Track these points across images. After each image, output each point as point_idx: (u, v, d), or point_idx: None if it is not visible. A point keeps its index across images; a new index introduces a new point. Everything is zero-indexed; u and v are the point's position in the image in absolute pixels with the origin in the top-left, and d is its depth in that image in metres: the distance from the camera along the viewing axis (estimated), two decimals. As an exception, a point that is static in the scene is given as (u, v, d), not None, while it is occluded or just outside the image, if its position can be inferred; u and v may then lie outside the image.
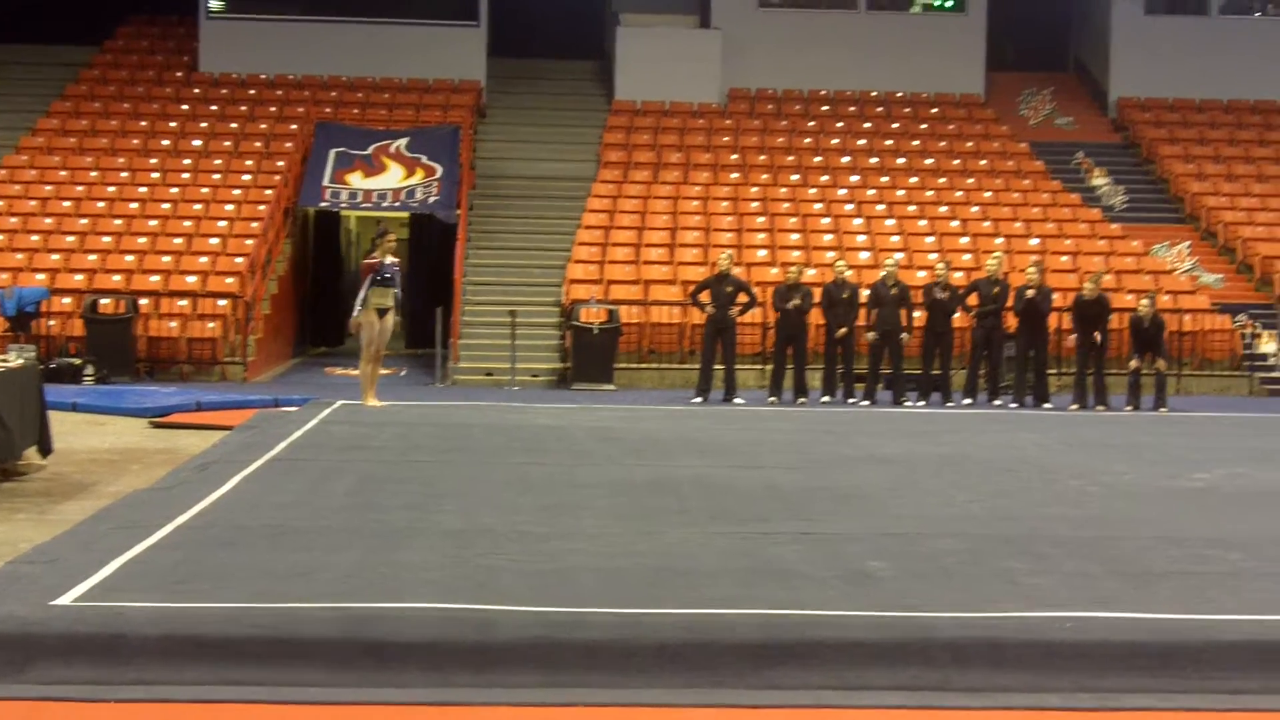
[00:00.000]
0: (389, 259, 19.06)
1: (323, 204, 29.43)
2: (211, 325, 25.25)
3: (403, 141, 30.31)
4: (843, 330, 22.21)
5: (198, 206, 28.93)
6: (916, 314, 22.53)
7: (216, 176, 30.16)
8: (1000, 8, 35.22)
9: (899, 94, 35.26)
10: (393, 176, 29.38)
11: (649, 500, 11.44)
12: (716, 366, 22.06)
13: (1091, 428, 18.93)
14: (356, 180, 29.19)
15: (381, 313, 18.94)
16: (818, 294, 22.56)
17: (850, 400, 22.12)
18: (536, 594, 7.87)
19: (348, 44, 34.45)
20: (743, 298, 22.10)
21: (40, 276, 25.93)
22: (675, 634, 7.25)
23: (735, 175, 32.05)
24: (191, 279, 26.38)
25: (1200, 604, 8.02)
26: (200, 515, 10.31)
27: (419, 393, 22.74)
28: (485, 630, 7.19)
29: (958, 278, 24.50)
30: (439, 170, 29.39)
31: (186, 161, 30.74)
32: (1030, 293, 21.98)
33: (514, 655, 7.04)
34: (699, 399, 21.73)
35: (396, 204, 28.96)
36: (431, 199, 28.76)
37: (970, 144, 33.55)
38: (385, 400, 19.48)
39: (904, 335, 22.22)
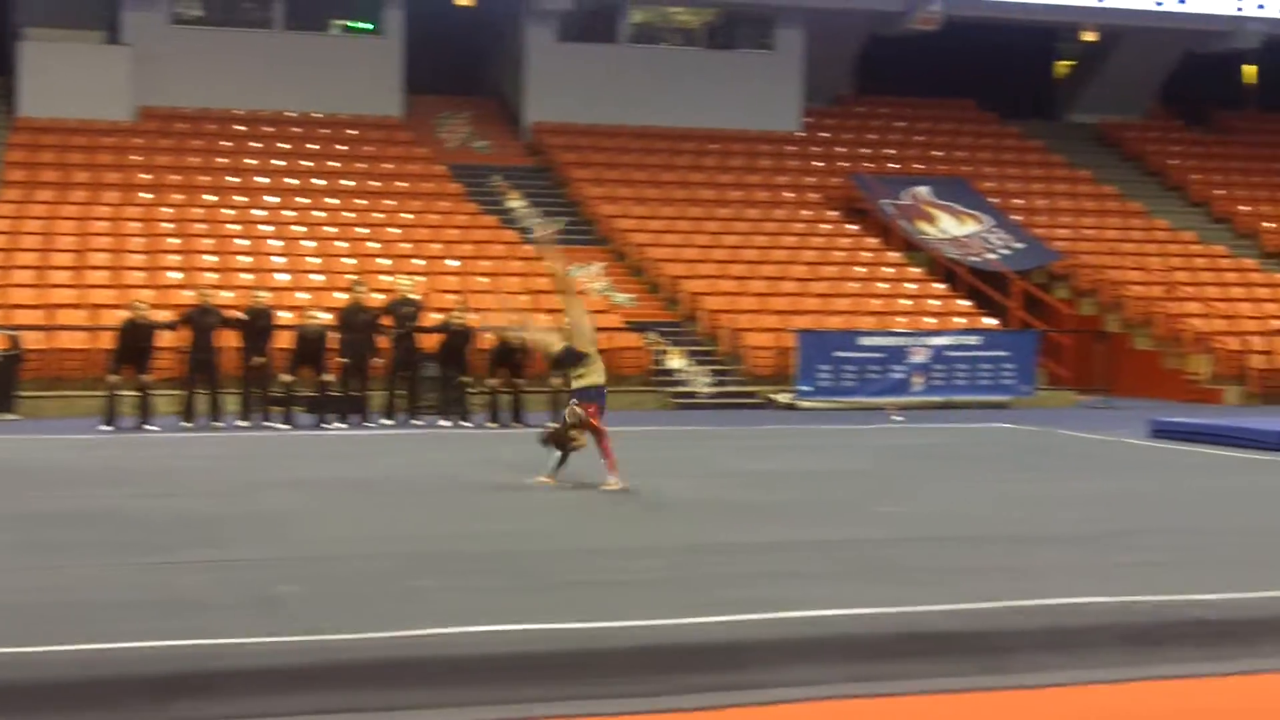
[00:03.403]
0: None
1: None
2: None
3: None
4: (260, 360, 21.89)
5: None
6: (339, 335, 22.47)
7: None
8: (419, 31, 35.47)
9: (318, 115, 35.02)
10: None
11: (50, 534, 10.88)
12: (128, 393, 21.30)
13: (508, 445, 19.19)
14: None
15: None
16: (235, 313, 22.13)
17: (268, 424, 21.74)
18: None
19: None
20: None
21: None
22: (70, 671, 6.86)
23: (148, 195, 31.09)
24: None
25: (604, 613, 8.15)
26: None
27: None
28: None
29: (377, 299, 24.45)
30: None
31: None
32: (459, 323, 22.47)
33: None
34: (108, 427, 20.90)
35: None
36: None
37: (390, 166, 33.64)
38: None
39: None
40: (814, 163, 36.91)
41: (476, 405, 22.74)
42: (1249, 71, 42.90)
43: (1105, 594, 8.81)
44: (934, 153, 38.02)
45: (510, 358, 22.51)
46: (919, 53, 37.91)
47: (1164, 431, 21.08)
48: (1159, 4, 37.20)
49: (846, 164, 36.80)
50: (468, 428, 21.90)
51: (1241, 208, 37.42)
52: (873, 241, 33.38)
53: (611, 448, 13.81)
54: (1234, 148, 40.42)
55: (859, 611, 8.29)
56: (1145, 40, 38.56)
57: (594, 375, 14.27)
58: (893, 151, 37.94)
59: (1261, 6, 37.63)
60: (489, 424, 22.13)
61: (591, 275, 30.28)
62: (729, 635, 7.79)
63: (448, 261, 29.58)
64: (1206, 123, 41.54)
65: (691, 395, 26.85)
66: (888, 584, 9.24)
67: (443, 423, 22.17)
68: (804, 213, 34.51)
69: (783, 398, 26.71)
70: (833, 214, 34.60)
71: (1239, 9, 37.51)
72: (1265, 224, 36.73)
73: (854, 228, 33.99)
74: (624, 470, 13.81)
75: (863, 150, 37.86)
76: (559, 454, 14.09)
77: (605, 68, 36.33)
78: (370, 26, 36.02)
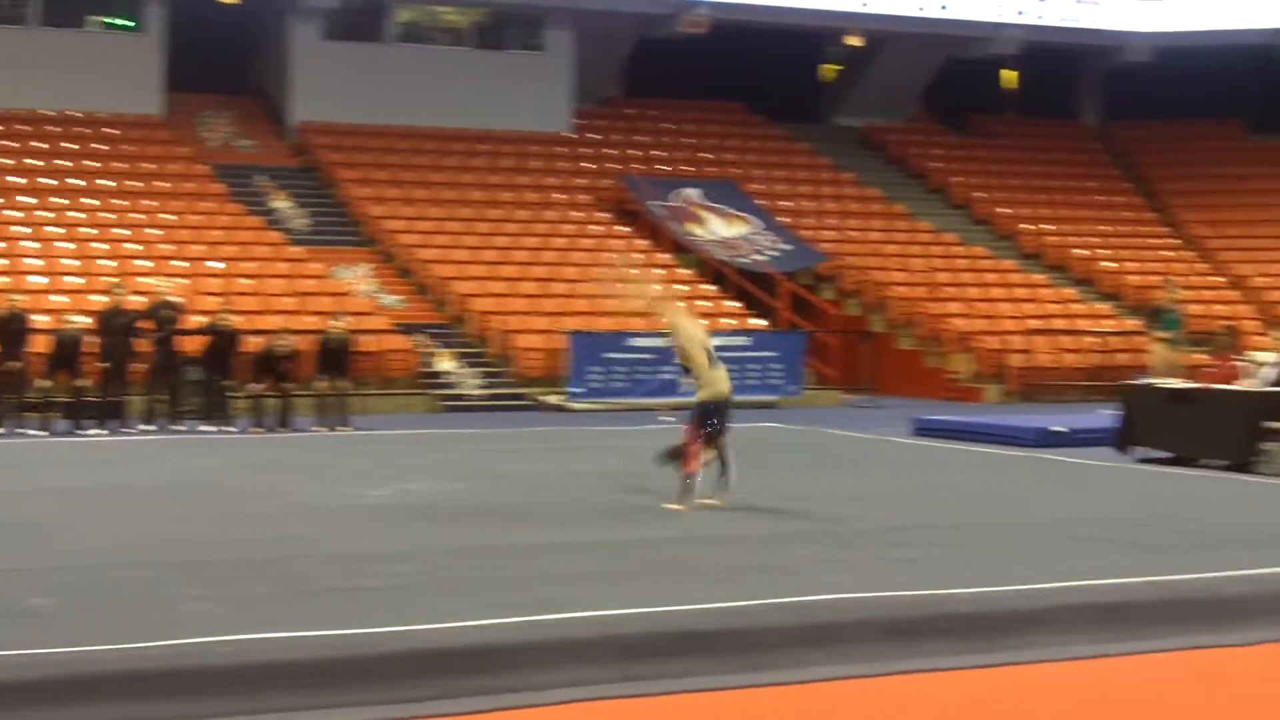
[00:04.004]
0: None
1: None
2: None
3: None
4: (14, 364, 21.24)
5: None
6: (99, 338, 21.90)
7: None
8: (181, 29, 34.71)
9: (75, 113, 34.08)
10: None
11: None
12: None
13: (274, 450, 18.91)
14: None
15: None
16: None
17: (22, 431, 21.07)
18: None
19: None
20: None
21: None
22: None
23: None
24: None
25: (365, 618, 8.03)
26: None
27: None
28: None
29: (137, 301, 23.85)
30: None
31: None
32: (224, 326, 22.30)
33: None
34: None
35: None
36: None
37: (150, 165, 32.86)
38: None
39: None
40: (584, 164, 36.95)
41: (240, 410, 22.33)
42: (1009, 76, 43.99)
43: (867, 589, 8.92)
44: (703, 155, 38.31)
45: (275, 364, 22.15)
46: (688, 55, 38.18)
47: (926, 429, 21.51)
48: (921, 10, 37.96)
49: (617, 166, 36.92)
50: (231, 433, 21.50)
51: (1001, 210, 38.34)
52: (643, 243, 33.51)
53: (698, 468, 12.92)
54: (994, 151, 41.42)
55: (624, 612, 8.29)
56: (908, 45, 39.31)
57: (704, 390, 13.24)
58: (662, 153, 38.14)
59: (1021, 13, 38.63)
60: (254, 429, 21.73)
61: (358, 277, 29.96)
62: (490, 638, 7.74)
63: (210, 263, 28.99)
64: (968, 127, 42.49)
65: (461, 398, 26.67)
66: (654, 583, 9.26)
67: (205, 428, 21.72)
68: (574, 214, 34.53)
69: (553, 399, 26.69)
70: (603, 215, 34.68)
71: (999, 15, 38.47)
72: (1024, 226, 37.69)
73: (624, 229, 34.10)
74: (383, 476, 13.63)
75: (633, 152, 38.00)
76: (696, 472, 12.94)
77: (372, 67, 35.92)
78: (130, 23, 35.15)
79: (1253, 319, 33.83)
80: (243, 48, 37.20)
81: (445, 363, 27.36)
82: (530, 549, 10.59)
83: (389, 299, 29.47)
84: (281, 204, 32.59)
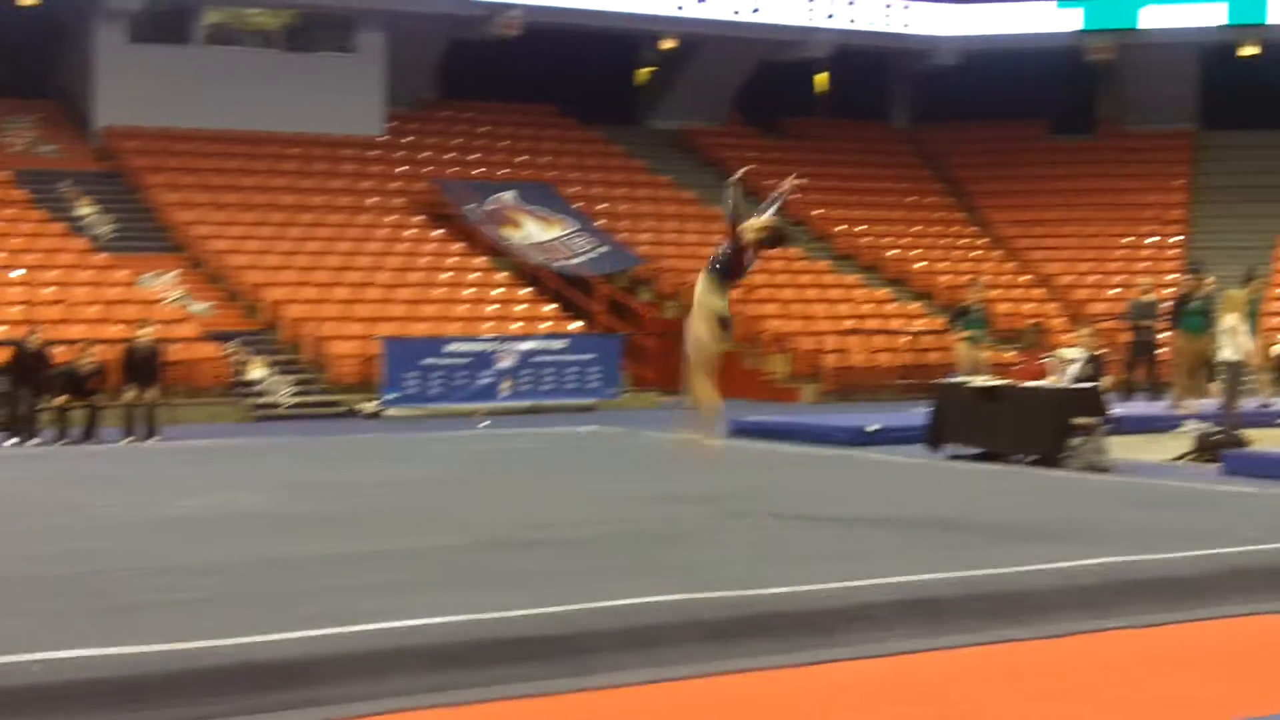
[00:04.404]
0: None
1: None
2: None
3: None
4: None
5: None
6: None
7: None
8: (-19, 31, 33.83)
9: None
10: None
11: None
12: None
13: (81, 462, 18.44)
14: None
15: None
16: None
17: None
18: None
19: None
20: None
21: None
22: None
23: None
24: None
25: (173, 633, 7.81)
26: None
27: None
28: None
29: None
30: None
31: None
32: (35, 340, 21.93)
33: None
34: None
35: None
36: None
37: (-51, 172, 31.97)
38: None
39: None
40: (398, 168, 36.62)
41: (45, 423, 21.74)
42: (821, 79, 44.47)
43: (688, 591, 8.88)
44: (518, 158, 38.17)
45: (80, 382, 21.63)
46: (502, 58, 38.03)
47: (743, 430, 21.60)
48: (735, 13, 38.22)
49: (431, 169, 36.63)
50: (36, 446, 20.93)
51: (815, 212, 38.69)
52: (458, 247, 33.32)
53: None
54: (807, 154, 41.74)
55: (442, 620, 8.16)
56: (722, 49, 39.54)
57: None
58: (477, 156, 37.91)
59: (831, 17, 39.06)
60: (60, 442, 21.18)
61: (166, 284, 29.36)
62: (298, 651, 7.58)
63: (12, 272, 28.24)
64: (781, 129, 42.88)
65: (274, 406, 26.27)
66: (472, 591, 9.14)
67: (8, 442, 21.12)
68: (388, 218, 34.21)
69: (369, 406, 26.39)
70: (418, 219, 34.40)
71: (810, 20, 38.86)
72: (837, 228, 38.10)
73: (439, 233, 33.87)
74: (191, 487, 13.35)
75: (447, 155, 37.72)
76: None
77: (180, 70, 35.19)
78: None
79: (1060, 316, 34.56)
80: (44, 50, 36.29)
81: (257, 371, 26.92)
82: (341, 559, 10.40)
83: (198, 306, 28.93)
84: (86, 210, 31.80)
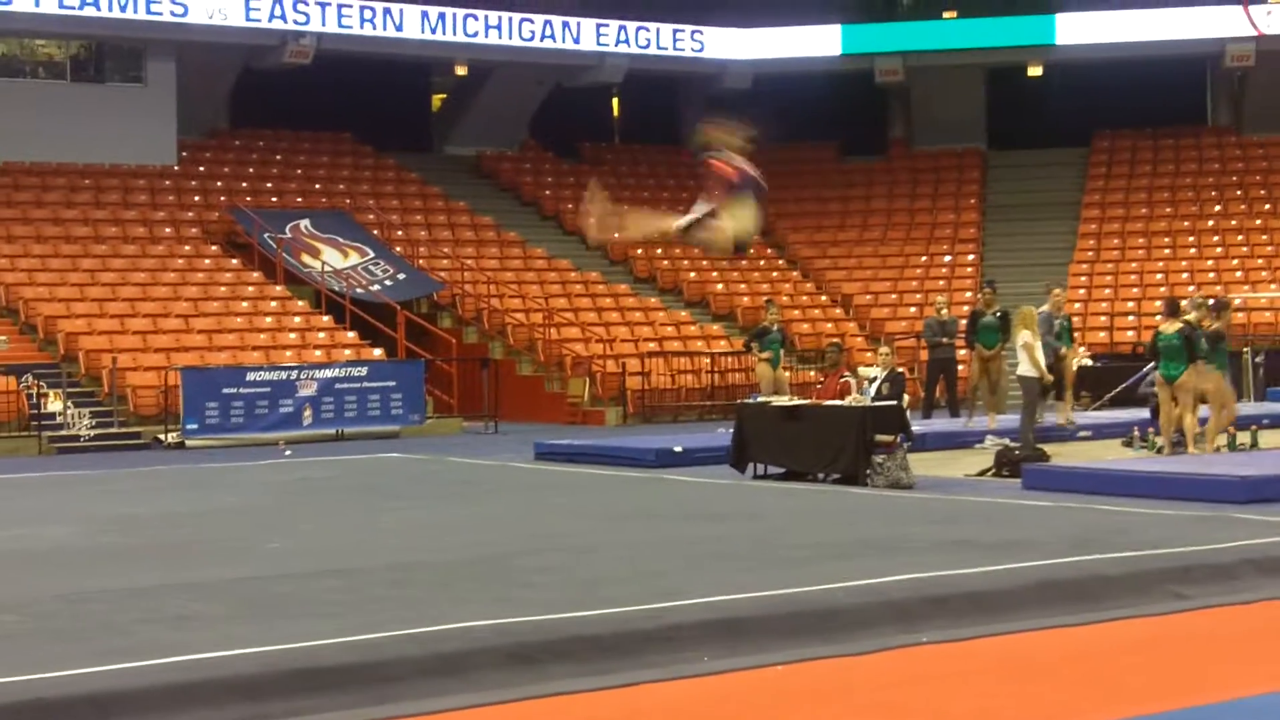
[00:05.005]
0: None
1: None
2: None
3: None
4: None
5: None
6: None
7: None
8: None
9: None
10: None
11: None
12: None
13: None
14: None
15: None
16: None
17: None
18: None
19: None
20: None
21: None
22: None
23: None
24: None
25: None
26: None
27: None
28: None
29: None
30: None
31: None
32: None
33: None
34: None
35: None
36: None
37: None
38: None
39: None
40: (192, 197, 36.13)
41: None
42: (616, 104, 44.77)
43: (492, 616, 8.93)
44: (314, 185, 37.91)
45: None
46: (295, 86, 37.73)
47: (548, 454, 21.72)
48: (527, 40, 38.34)
49: (225, 198, 36.19)
50: None
51: (614, 236, 38.90)
52: (256, 275, 32.97)
53: None
54: (603, 178, 41.80)
55: (246, 651, 8.11)
56: (515, 74, 39.60)
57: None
58: (272, 185, 37.57)
59: (623, 41, 39.34)
60: None
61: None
62: (99, 685, 7.48)
63: None
64: (576, 154, 43.08)
65: (74, 439, 25.77)
66: (276, 621, 9.10)
67: None
68: (184, 248, 33.75)
69: (170, 437, 26.01)
70: (213, 249, 33.97)
71: (602, 44, 39.11)
72: (637, 251, 38.34)
73: (236, 262, 33.49)
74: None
75: (242, 184, 37.30)
76: None
77: (-35, 101, 34.44)
78: None
79: (859, 335, 35.16)
80: None
81: (54, 403, 26.39)
82: (145, 592, 10.28)
83: (-8, 340, 28.29)
84: None
